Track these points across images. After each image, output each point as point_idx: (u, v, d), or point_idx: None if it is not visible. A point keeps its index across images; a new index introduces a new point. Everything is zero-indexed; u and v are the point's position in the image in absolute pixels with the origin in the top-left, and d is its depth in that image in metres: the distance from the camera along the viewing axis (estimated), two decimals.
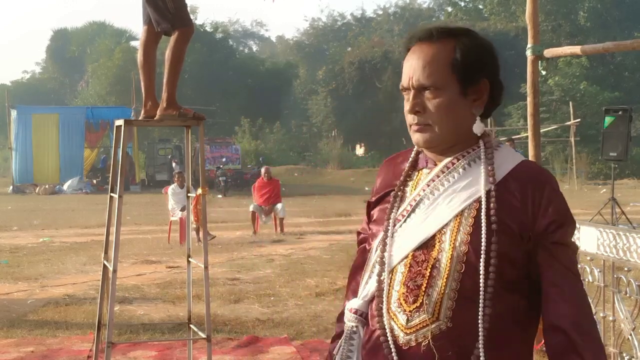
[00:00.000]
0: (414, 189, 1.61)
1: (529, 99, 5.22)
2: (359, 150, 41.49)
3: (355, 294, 1.67)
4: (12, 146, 26.84)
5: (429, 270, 1.50)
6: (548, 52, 5.12)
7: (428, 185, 1.58)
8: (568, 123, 24.02)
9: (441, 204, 1.55)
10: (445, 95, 1.54)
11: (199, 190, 4.45)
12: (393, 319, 1.52)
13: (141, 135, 31.14)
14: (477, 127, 1.58)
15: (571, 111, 23.83)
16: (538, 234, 1.50)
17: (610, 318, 4.28)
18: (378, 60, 37.11)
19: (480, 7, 41.13)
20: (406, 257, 1.54)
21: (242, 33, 59.28)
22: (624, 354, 4.15)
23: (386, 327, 1.53)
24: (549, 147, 27.72)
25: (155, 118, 4.18)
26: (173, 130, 31.54)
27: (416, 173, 1.64)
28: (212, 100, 36.96)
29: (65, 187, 25.54)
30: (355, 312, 1.60)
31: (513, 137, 18.83)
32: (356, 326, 1.60)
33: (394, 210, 1.60)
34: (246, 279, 8.24)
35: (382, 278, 1.56)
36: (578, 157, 25.00)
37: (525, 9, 5.24)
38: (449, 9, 43.34)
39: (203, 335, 4.06)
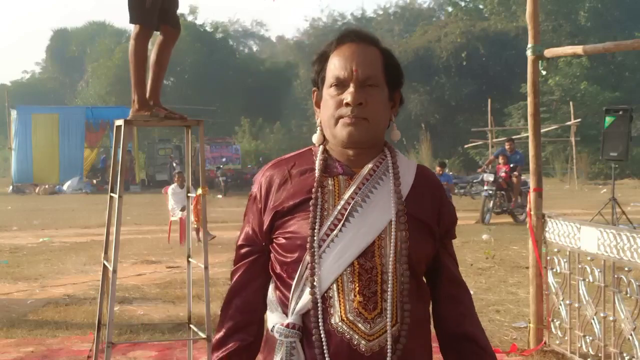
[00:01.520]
0: (337, 198, 1.59)
1: (529, 99, 5.22)
2: None
3: (245, 313, 1.66)
4: (12, 146, 26.84)
5: (379, 276, 1.53)
6: (548, 52, 5.12)
7: (356, 194, 1.59)
8: (568, 123, 24.01)
9: (375, 211, 1.57)
10: (382, 94, 1.62)
11: (199, 190, 4.45)
12: (351, 327, 1.52)
13: (141, 135, 31.13)
14: (396, 134, 1.68)
15: (571, 111, 23.82)
16: (442, 233, 1.67)
17: (611, 318, 4.28)
18: None
19: (481, 7, 41.10)
20: (350, 265, 1.54)
21: (242, 33, 59.18)
22: (624, 354, 4.15)
23: (347, 334, 1.52)
24: (549, 147, 27.71)
25: (128, 117, 4.16)
26: (173, 130, 31.53)
27: (330, 180, 1.62)
28: (212, 100, 36.93)
29: (65, 187, 25.51)
30: (294, 327, 1.55)
31: (513, 137, 18.80)
32: (294, 341, 1.55)
33: (317, 220, 1.57)
34: None
35: (330, 288, 1.54)
36: (578, 157, 24.98)
37: (526, 9, 5.24)
38: (449, 9, 43.32)
39: (203, 335, 4.06)
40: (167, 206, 12.00)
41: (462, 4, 42.06)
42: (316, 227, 1.56)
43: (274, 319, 1.61)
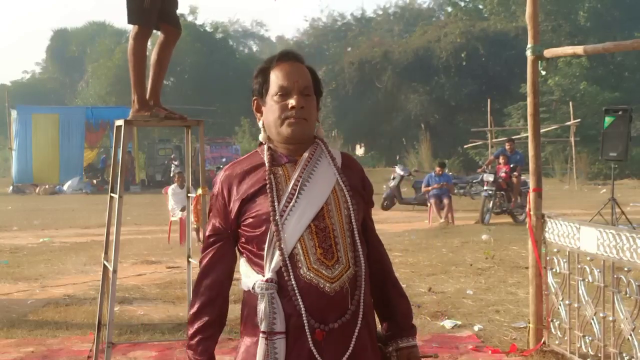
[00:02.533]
0: (288, 180, 2.02)
1: (529, 99, 5.22)
2: (359, 150, 41.50)
3: (213, 290, 2.07)
4: (12, 146, 26.83)
5: (332, 233, 1.98)
6: (548, 52, 5.12)
7: (302, 174, 2.02)
8: (568, 123, 24.00)
9: (318, 185, 2.02)
10: (314, 101, 2.07)
11: (199, 191, 4.45)
12: (317, 274, 1.93)
13: (141, 135, 31.12)
14: (321, 132, 2.14)
15: (571, 111, 23.81)
16: (367, 200, 2.15)
17: (610, 318, 4.28)
18: (378, 60, 37.04)
19: (480, 7, 41.06)
20: (308, 227, 1.97)
21: (242, 33, 59.22)
22: (624, 354, 4.15)
23: (314, 280, 1.93)
24: (549, 147, 27.69)
25: (128, 117, 4.15)
26: (173, 131, 31.53)
27: (279, 169, 2.04)
28: (212, 100, 36.94)
29: (65, 187, 25.52)
30: (271, 281, 1.94)
31: (513, 137, 18.77)
32: (273, 292, 1.93)
33: (275, 199, 1.98)
34: None
35: (295, 247, 1.95)
36: (578, 157, 24.97)
37: (525, 9, 5.24)
38: (449, 9, 43.29)
39: None
40: (167, 206, 12.00)
41: (462, 4, 42.01)
42: (275, 204, 1.97)
43: (253, 279, 1.99)
